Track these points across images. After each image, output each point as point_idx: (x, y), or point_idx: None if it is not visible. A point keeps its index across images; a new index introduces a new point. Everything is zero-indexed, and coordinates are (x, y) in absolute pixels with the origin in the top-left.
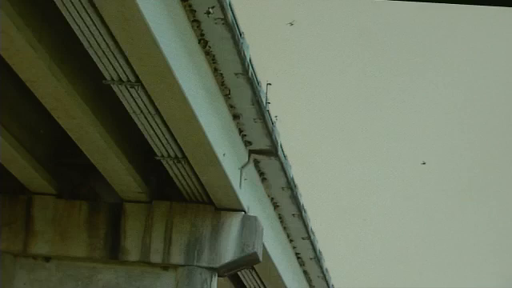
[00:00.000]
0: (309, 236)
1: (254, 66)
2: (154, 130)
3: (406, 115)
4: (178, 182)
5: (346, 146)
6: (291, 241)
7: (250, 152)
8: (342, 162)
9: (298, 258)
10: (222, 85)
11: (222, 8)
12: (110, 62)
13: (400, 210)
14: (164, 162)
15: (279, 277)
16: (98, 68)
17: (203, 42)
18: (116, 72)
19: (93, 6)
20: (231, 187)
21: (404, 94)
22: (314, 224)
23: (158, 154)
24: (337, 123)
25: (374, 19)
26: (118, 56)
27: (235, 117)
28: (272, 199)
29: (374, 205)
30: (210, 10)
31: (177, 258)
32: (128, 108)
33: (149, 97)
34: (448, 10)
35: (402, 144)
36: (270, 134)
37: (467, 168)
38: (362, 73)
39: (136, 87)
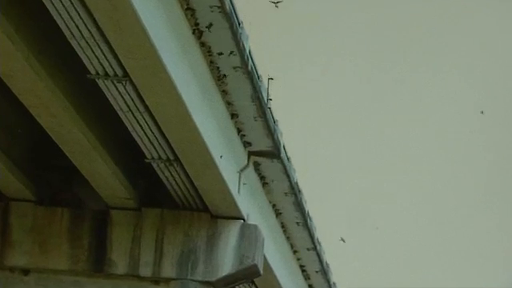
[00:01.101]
0: (314, 247)
1: (254, 59)
2: (143, 130)
3: (420, 114)
4: (169, 187)
5: (355, 148)
6: (295, 252)
7: (250, 154)
8: (351, 165)
9: (303, 270)
10: (218, 79)
11: None
12: (95, 55)
13: (416, 218)
14: (154, 165)
15: None
16: (81, 61)
17: (198, 32)
18: (101, 65)
19: None
20: (229, 193)
21: (419, 90)
22: (320, 233)
23: (148, 155)
24: (345, 123)
25: (381, 13)
26: (104, 48)
27: (233, 115)
28: (274, 206)
29: (388, 212)
30: None
31: (168, 271)
32: (115, 105)
33: (138, 93)
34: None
35: (416, 147)
36: (271, 133)
37: (483, 172)
38: (374, 67)
39: (123, 82)
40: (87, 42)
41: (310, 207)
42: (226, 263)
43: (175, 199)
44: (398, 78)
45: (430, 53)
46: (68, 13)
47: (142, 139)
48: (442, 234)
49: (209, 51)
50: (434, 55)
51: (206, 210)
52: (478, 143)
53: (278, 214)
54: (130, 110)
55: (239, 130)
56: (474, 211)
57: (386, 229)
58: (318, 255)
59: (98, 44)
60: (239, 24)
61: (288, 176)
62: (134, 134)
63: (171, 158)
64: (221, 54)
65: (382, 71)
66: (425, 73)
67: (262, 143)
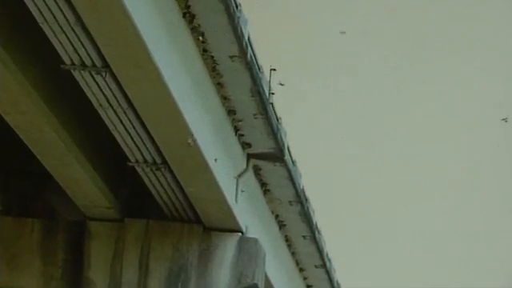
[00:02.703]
0: (323, 264)
1: (254, 47)
2: (126, 129)
3: (438, 119)
4: (156, 195)
5: (369, 150)
6: (301, 270)
7: (249, 156)
8: (364, 170)
9: None
10: (212, 71)
11: None
12: (71, 42)
13: (438, 231)
14: (139, 169)
15: None
16: (55, 49)
17: (189, 15)
18: (77, 54)
19: None
20: (224, 201)
21: (437, 92)
22: (330, 248)
23: (132, 158)
24: (359, 122)
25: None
26: (81, 34)
27: (230, 111)
28: (277, 217)
29: (407, 224)
30: None
31: None
32: (93, 100)
33: (119, 86)
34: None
35: (435, 152)
36: (274, 133)
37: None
38: (388, 61)
39: (103, 73)
40: (61, 27)
41: (318, 218)
42: (222, 282)
43: (163, 209)
44: (418, 78)
45: (447, 56)
46: None
47: (124, 139)
48: (459, 245)
49: (201, 38)
50: (451, 60)
51: (198, 222)
52: (501, 153)
53: (281, 225)
54: (110, 105)
55: (237, 129)
56: (496, 222)
57: (407, 242)
58: (328, 273)
59: (73, 29)
60: (236, 7)
61: (293, 182)
62: (115, 134)
63: (158, 161)
64: (216, 41)
65: (400, 65)
66: (443, 75)
67: (263, 144)
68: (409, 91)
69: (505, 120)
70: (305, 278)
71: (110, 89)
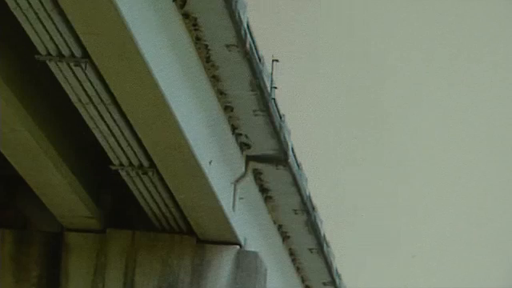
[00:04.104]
0: (333, 280)
1: (254, 35)
2: (108, 127)
3: (459, 119)
4: (143, 203)
5: (384, 153)
6: (308, 287)
7: (248, 159)
8: (379, 176)
9: None
10: (207, 61)
11: None
12: (46, 29)
13: (460, 245)
14: (123, 174)
15: None
16: (29, 38)
17: None
18: (54, 43)
19: None
20: (220, 210)
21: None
22: (340, 263)
23: (115, 161)
24: (371, 122)
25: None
26: (58, 20)
27: (227, 108)
28: (280, 227)
29: (426, 237)
30: None
31: None
32: (71, 95)
33: (101, 79)
34: None
35: (455, 158)
36: (276, 132)
37: None
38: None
39: (83, 65)
40: (36, 13)
41: (326, 229)
42: None
43: (150, 218)
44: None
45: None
46: None
47: (106, 139)
48: (499, 266)
49: (194, 24)
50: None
51: (190, 233)
52: None
53: (285, 237)
54: (91, 101)
55: (234, 128)
56: (495, 222)
57: (424, 257)
58: None
59: (49, 15)
60: None
61: (298, 188)
62: (96, 133)
63: (145, 164)
64: (210, 27)
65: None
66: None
67: (264, 145)
68: (429, 94)
69: None
70: None
71: (91, 82)
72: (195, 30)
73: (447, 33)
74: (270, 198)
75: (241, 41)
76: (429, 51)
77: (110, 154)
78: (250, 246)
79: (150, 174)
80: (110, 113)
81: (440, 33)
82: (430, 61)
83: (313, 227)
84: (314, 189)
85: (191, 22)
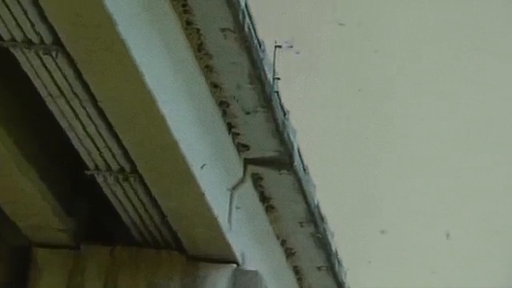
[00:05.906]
0: None
1: (253, 18)
2: (83, 126)
3: (473, 117)
4: (123, 213)
5: (400, 153)
6: None
7: (246, 162)
8: (397, 180)
9: None
10: (199, 50)
11: None
12: (12, 14)
13: (487, 258)
14: (100, 180)
15: None
16: None
17: None
18: (20, 28)
19: None
20: (215, 221)
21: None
22: (353, 283)
23: (91, 166)
24: (385, 119)
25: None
26: (26, 3)
27: (222, 103)
28: (283, 242)
29: (449, 250)
30: None
31: None
32: (40, 88)
33: (76, 70)
34: None
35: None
36: (279, 131)
37: None
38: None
39: (54, 53)
40: None
41: (338, 243)
42: None
43: (132, 231)
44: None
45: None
46: None
47: (80, 140)
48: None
49: (184, 5)
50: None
51: (179, 248)
52: None
53: (289, 253)
54: (62, 94)
55: (230, 127)
56: (496, 221)
57: (445, 273)
58: None
59: None
60: None
61: (304, 196)
62: (69, 133)
63: (126, 168)
64: (202, 9)
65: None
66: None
67: (265, 146)
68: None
69: None
70: None
71: (63, 73)
72: (185, 12)
73: (458, 32)
74: (272, 207)
75: (238, 24)
76: (441, 50)
77: (85, 157)
78: (249, 264)
79: (132, 179)
80: (84, 109)
81: (452, 32)
82: (443, 60)
83: (321, 241)
84: (323, 197)
85: (181, 5)
